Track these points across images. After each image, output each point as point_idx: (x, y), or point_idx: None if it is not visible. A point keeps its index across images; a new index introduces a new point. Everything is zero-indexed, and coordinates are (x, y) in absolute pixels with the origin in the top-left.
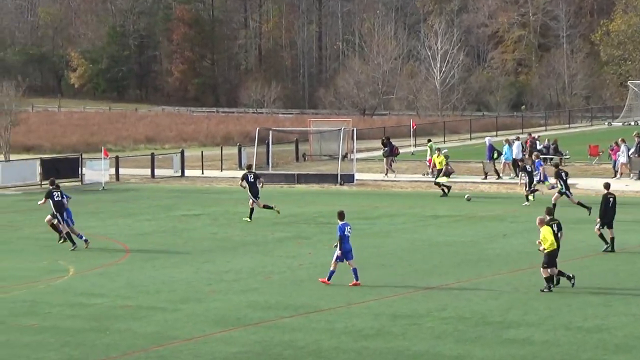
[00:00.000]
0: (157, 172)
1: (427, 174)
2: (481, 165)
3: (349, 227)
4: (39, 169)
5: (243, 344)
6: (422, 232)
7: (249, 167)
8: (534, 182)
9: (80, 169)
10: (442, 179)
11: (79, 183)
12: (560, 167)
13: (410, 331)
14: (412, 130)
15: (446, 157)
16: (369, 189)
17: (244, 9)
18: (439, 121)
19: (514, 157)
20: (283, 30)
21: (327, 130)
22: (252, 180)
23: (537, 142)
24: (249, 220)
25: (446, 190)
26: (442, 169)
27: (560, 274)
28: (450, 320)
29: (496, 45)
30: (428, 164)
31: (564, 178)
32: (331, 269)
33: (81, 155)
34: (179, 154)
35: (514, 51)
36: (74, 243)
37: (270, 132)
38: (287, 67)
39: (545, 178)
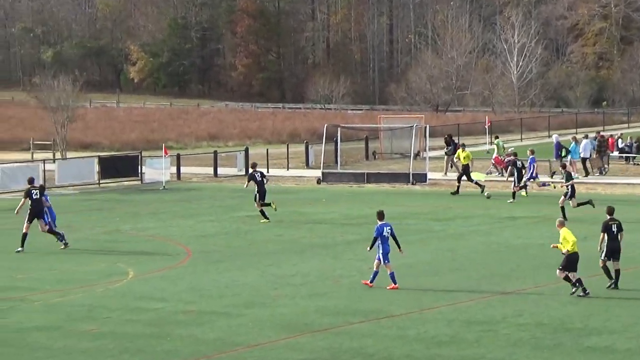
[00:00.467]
0: (220, 170)
1: (491, 173)
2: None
3: (388, 227)
4: (97, 168)
5: (311, 350)
6: (498, 234)
7: (254, 165)
8: (525, 178)
9: (139, 167)
10: (479, 176)
11: (139, 182)
12: (567, 167)
13: (485, 338)
14: (486, 127)
15: (514, 154)
16: (442, 188)
17: (311, 0)
18: (516, 118)
19: (582, 155)
20: (352, 22)
21: (399, 127)
22: (260, 179)
23: (620, 140)
24: (268, 221)
25: (475, 187)
26: (467, 165)
27: (579, 282)
28: (528, 326)
29: (576, 38)
30: (494, 162)
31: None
32: (388, 272)
33: (141, 153)
34: (243, 151)
35: (594, 44)
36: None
37: (339, 129)
38: (357, 61)
39: (536, 175)
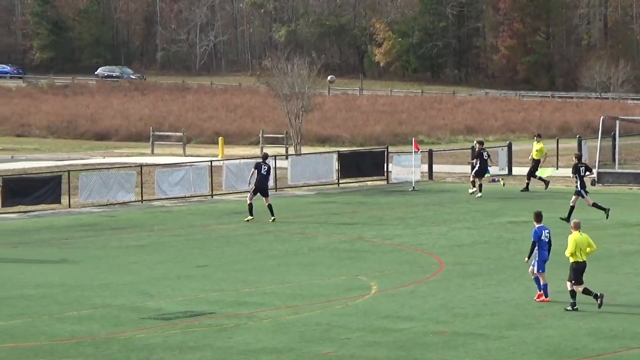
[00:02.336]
0: None
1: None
2: None
3: (547, 231)
4: (335, 165)
5: None
6: None
7: (265, 156)
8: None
9: (385, 165)
10: (545, 172)
11: (384, 182)
12: (581, 160)
13: None
14: None
15: None
16: None
17: None
18: None
19: None
20: None
21: None
22: (266, 173)
23: None
24: (252, 218)
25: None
26: (540, 160)
27: (586, 291)
28: None
29: None
30: None
31: (582, 174)
32: (542, 282)
33: (387, 148)
34: (506, 147)
35: None
36: None
37: (617, 121)
38: (639, 43)
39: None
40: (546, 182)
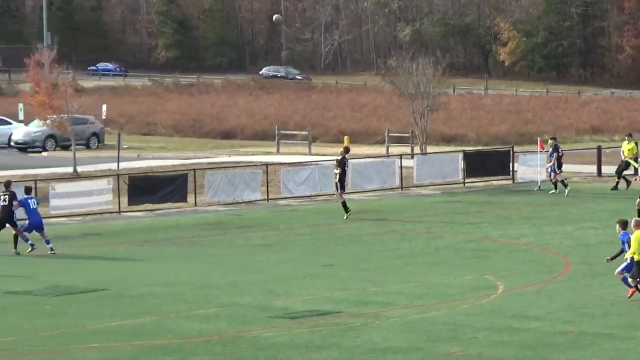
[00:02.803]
0: (605, 169)
1: None
2: None
3: (628, 236)
4: (461, 164)
5: None
6: None
7: (347, 150)
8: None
9: (511, 164)
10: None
11: (510, 182)
12: None
13: None
14: None
15: None
16: None
17: None
18: None
19: None
20: None
21: None
22: (347, 168)
23: None
24: (347, 216)
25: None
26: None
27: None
28: None
29: None
30: None
31: None
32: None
33: (512, 147)
34: None
35: None
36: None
37: None
38: None
39: (557, 168)
40: (627, 182)
